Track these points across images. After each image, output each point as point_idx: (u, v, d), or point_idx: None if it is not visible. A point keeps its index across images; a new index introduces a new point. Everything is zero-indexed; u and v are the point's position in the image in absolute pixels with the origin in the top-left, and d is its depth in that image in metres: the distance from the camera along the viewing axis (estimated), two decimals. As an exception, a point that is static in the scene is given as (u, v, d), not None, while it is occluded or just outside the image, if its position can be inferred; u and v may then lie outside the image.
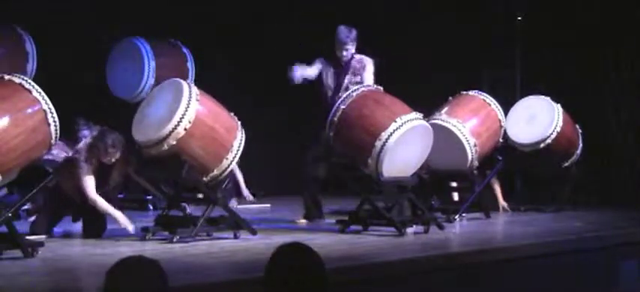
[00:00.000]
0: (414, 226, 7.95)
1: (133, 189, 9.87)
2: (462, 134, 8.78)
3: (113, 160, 7.34)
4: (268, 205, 10.77)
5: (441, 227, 8.07)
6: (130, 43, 10.16)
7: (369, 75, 8.46)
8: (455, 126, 8.80)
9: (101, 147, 7.26)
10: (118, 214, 7.31)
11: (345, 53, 8.46)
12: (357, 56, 8.52)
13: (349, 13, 10.33)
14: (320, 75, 8.52)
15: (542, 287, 7.11)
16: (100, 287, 3.07)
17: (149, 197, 9.80)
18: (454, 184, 9.47)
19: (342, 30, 8.49)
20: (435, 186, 9.39)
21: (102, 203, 7.29)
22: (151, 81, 9.83)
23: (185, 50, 10.45)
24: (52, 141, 6.35)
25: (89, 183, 7.27)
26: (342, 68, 8.48)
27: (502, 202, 9.82)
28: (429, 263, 6.65)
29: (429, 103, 8.96)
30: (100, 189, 7.34)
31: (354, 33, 8.48)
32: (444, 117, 8.86)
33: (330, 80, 8.50)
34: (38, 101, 6.24)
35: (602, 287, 7.49)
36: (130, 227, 7.25)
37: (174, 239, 7.02)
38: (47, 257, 6.35)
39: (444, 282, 6.54)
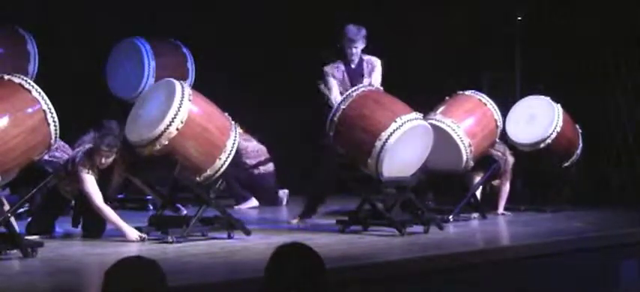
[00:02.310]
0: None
1: (133, 189, 9.87)
2: (457, 134, 8.70)
3: (109, 161, 7.28)
4: None
5: (441, 227, 8.07)
6: (130, 43, 10.16)
7: (377, 76, 8.38)
8: (449, 126, 8.72)
9: (96, 150, 7.20)
10: (123, 225, 7.25)
11: (353, 51, 8.37)
12: (366, 57, 8.45)
13: (349, 13, 10.33)
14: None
15: (542, 287, 7.11)
16: (100, 287, 3.06)
17: (149, 197, 9.79)
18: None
19: (351, 28, 8.40)
20: (432, 186, 9.35)
21: (109, 213, 7.24)
22: (151, 81, 9.83)
23: (185, 50, 10.45)
24: (52, 141, 6.35)
25: (95, 193, 7.20)
26: (353, 69, 8.40)
27: (500, 209, 9.64)
28: (429, 263, 6.65)
29: (429, 104, 8.95)
30: (102, 192, 7.30)
31: (363, 31, 8.42)
32: (438, 117, 8.78)
33: (345, 82, 8.40)
34: (38, 101, 6.24)
35: (602, 287, 7.48)
36: (134, 236, 7.17)
37: (170, 239, 7.02)
38: (47, 257, 6.35)
39: (444, 282, 6.54)
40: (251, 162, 10.69)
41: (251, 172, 10.68)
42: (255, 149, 10.75)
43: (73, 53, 10.21)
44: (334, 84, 8.35)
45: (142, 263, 3.05)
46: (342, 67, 8.38)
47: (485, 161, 9.23)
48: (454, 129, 8.71)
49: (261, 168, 10.76)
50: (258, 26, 11.72)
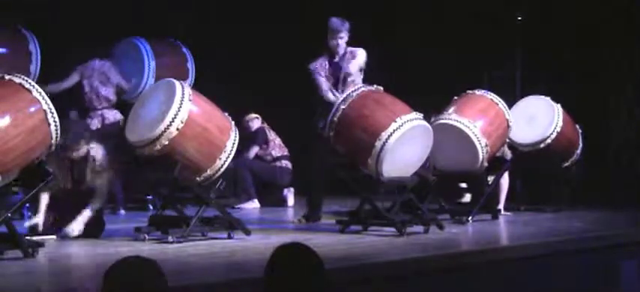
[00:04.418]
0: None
1: (133, 189, 9.88)
2: (474, 134, 8.65)
3: (74, 155, 7.26)
4: None
5: (441, 227, 8.07)
6: (130, 43, 10.16)
7: (355, 64, 8.37)
8: (467, 126, 8.65)
9: (66, 147, 7.19)
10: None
11: (339, 42, 8.36)
12: (350, 48, 8.44)
13: (350, 13, 10.30)
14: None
15: (542, 287, 7.11)
16: (100, 288, 3.07)
17: (149, 197, 9.80)
18: (464, 185, 9.42)
19: (335, 20, 8.42)
20: (443, 187, 9.31)
21: None
22: (151, 81, 9.84)
23: (185, 50, 10.45)
24: (53, 141, 6.35)
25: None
26: (336, 62, 8.40)
27: (501, 205, 9.68)
28: (429, 263, 6.65)
29: (429, 104, 8.93)
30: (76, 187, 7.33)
31: (347, 24, 8.42)
32: (454, 117, 8.72)
33: (330, 76, 8.43)
34: (38, 101, 6.24)
35: (602, 287, 7.49)
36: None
37: (170, 239, 7.02)
38: (47, 257, 6.35)
39: (444, 282, 6.54)
40: (276, 153, 10.86)
41: (273, 165, 10.81)
42: (281, 144, 10.96)
43: (73, 53, 10.21)
44: (322, 80, 8.36)
45: (141, 263, 3.05)
46: (327, 61, 8.39)
47: (496, 161, 9.22)
48: (472, 130, 8.66)
49: (283, 162, 10.92)
50: (258, 26, 11.73)
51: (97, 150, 7.36)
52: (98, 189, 7.34)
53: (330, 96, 8.26)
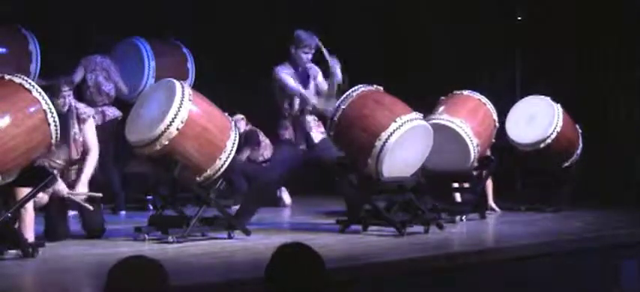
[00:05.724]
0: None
1: (133, 188, 9.89)
2: (466, 134, 8.67)
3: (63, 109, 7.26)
4: None
5: (441, 227, 8.07)
6: (130, 43, 10.17)
7: (323, 81, 8.15)
8: (459, 126, 8.68)
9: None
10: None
11: (309, 56, 8.10)
12: (309, 64, 8.20)
13: (349, 12, 10.34)
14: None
15: (542, 287, 7.11)
16: (100, 287, 3.07)
17: (149, 197, 9.80)
18: (456, 185, 9.43)
19: (306, 34, 8.13)
20: (435, 188, 9.30)
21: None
22: (151, 81, 9.85)
23: (185, 50, 10.46)
24: (52, 141, 6.35)
25: None
26: (300, 73, 8.15)
27: (491, 203, 9.72)
28: (429, 263, 6.65)
29: (428, 103, 8.93)
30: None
31: (316, 39, 8.18)
32: (445, 117, 8.75)
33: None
34: (38, 101, 6.24)
35: (602, 287, 7.48)
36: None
37: (170, 239, 7.02)
38: (47, 257, 6.35)
39: (444, 282, 6.55)
40: (267, 154, 10.75)
41: (261, 168, 10.71)
42: (270, 144, 10.84)
43: (73, 53, 10.22)
44: (289, 78, 8.10)
45: (144, 263, 3.05)
46: (292, 70, 8.17)
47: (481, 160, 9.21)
48: (464, 129, 8.67)
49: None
50: (258, 26, 11.73)
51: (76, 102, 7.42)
52: (91, 146, 7.37)
53: (301, 89, 8.06)
